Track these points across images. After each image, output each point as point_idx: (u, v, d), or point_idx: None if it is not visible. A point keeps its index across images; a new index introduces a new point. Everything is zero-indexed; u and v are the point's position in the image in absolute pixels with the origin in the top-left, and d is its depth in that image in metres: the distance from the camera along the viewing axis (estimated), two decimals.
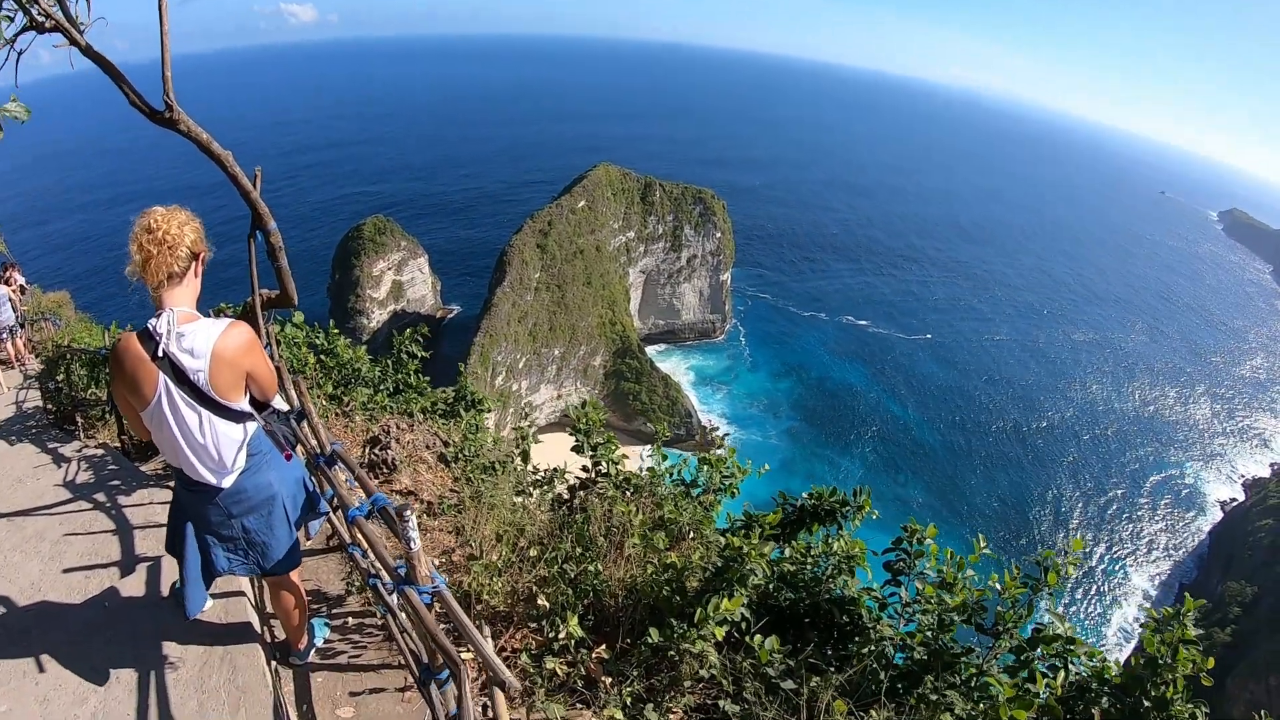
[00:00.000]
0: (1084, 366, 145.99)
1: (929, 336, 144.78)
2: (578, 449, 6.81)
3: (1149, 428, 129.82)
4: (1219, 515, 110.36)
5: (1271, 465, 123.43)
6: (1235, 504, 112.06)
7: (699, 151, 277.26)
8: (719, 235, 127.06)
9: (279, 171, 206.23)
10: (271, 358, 4.85)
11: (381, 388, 11.46)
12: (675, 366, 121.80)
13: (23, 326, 21.37)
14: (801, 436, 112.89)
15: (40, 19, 3.92)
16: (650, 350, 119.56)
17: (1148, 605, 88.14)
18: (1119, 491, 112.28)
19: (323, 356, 11.27)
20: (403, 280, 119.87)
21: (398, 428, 8.87)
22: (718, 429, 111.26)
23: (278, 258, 5.29)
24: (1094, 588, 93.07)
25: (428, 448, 8.94)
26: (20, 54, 4.11)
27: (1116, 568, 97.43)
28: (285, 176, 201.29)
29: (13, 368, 20.63)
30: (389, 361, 11.99)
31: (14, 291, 21.49)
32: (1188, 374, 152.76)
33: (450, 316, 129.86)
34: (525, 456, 8.46)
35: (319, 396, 10.05)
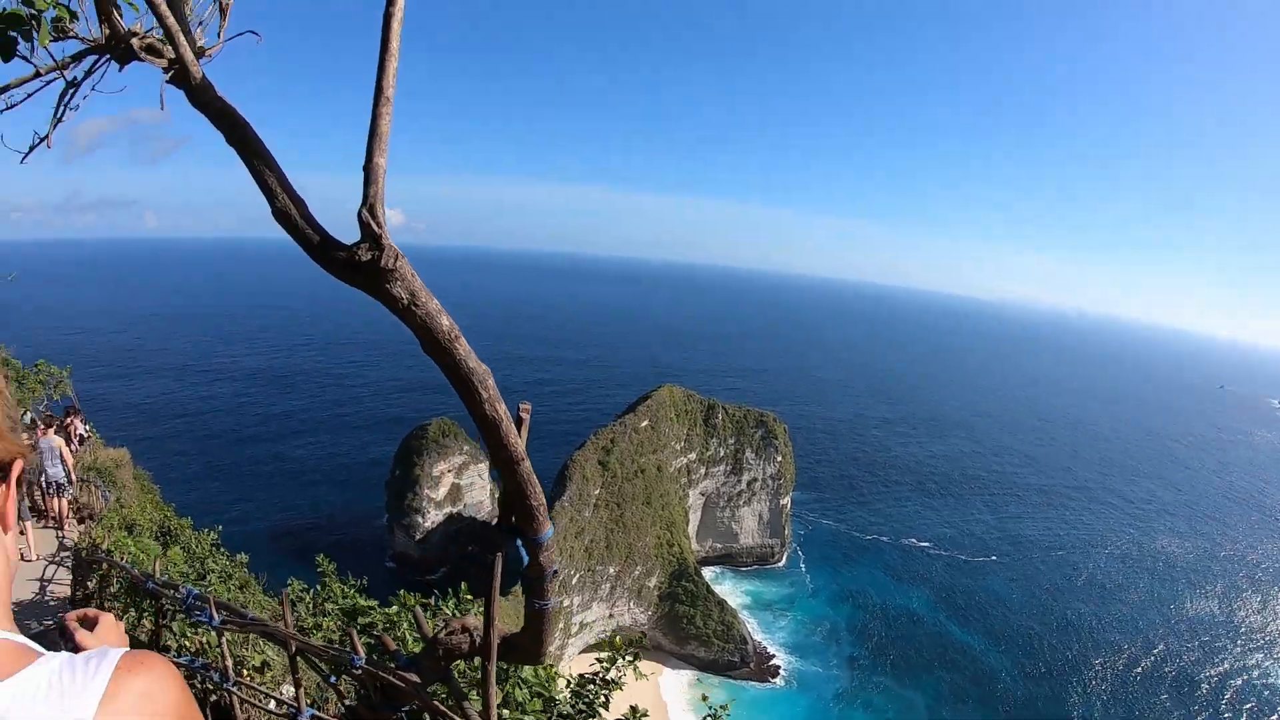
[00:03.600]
0: (1165, 577, 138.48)
1: (994, 558, 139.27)
2: None
3: (1232, 634, 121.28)
4: None
5: None
6: None
7: (762, 374, 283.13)
8: (780, 459, 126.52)
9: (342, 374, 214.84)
10: None
11: None
12: (732, 590, 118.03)
13: (70, 484, 19.69)
14: (863, 665, 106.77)
15: (124, 31, 2.80)
16: (707, 573, 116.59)
17: None
18: (1207, 702, 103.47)
19: None
20: (462, 484, 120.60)
21: None
22: (773, 657, 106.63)
23: (543, 588, 3.22)
24: None
25: None
26: (71, 89, 2.88)
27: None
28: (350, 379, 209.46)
29: (49, 527, 19.39)
30: None
31: (72, 441, 20.51)
32: (1264, 573, 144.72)
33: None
34: None
35: None
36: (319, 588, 15.29)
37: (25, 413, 20.96)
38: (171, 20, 2.58)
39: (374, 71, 2.28)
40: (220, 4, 2.96)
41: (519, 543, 3.11)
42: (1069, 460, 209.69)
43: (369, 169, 2.49)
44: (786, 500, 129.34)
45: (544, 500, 3.09)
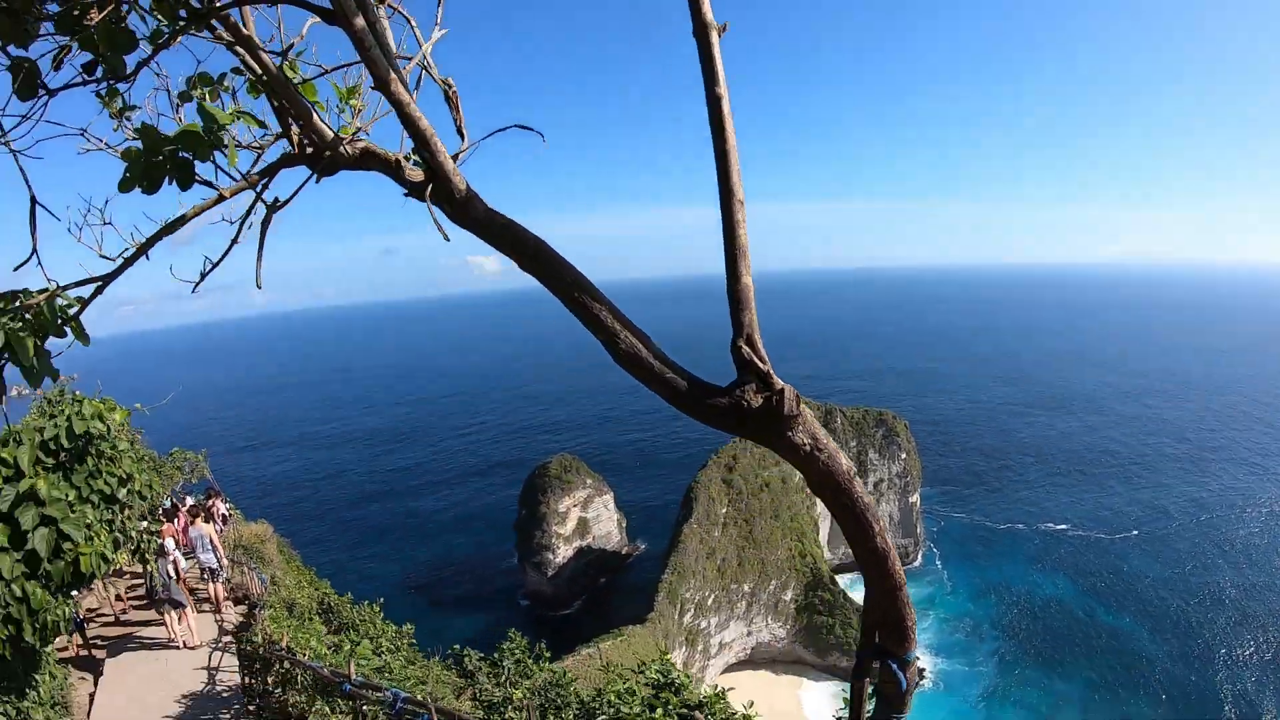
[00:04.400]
0: None
1: (1135, 533, 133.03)
2: None
3: None
4: None
5: None
6: None
7: (870, 373, 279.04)
8: (904, 456, 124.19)
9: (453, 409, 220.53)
10: None
11: None
12: None
13: (222, 568, 19.73)
14: (1009, 660, 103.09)
15: (330, 138, 2.48)
16: (842, 580, 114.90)
17: None
18: None
19: None
20: (589, 517, 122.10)
21: None
22: (918, 658, 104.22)
23: (903, 701, 3.32)
24: None
25: None
26: (270, 211, 2.62)
27: None
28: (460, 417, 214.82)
29: (205, 611, 19.34)
30: None
31: (215, 522, 20.59)
32: None
33: (637, 554, 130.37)
34: None
35: None
36: (496, 656, 15.95)
37: (165, 497, 21.36)
38: (425, 124, 2.30)
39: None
40: (448, 93, 2.67)
41: (882, 661, 3.32)
42: (1203, 421, 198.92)
43: (736, 292, 2.27)
44: (915, 498, 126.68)
45: (915, 620, 3.21)
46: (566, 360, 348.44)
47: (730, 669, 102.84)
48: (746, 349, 2.10)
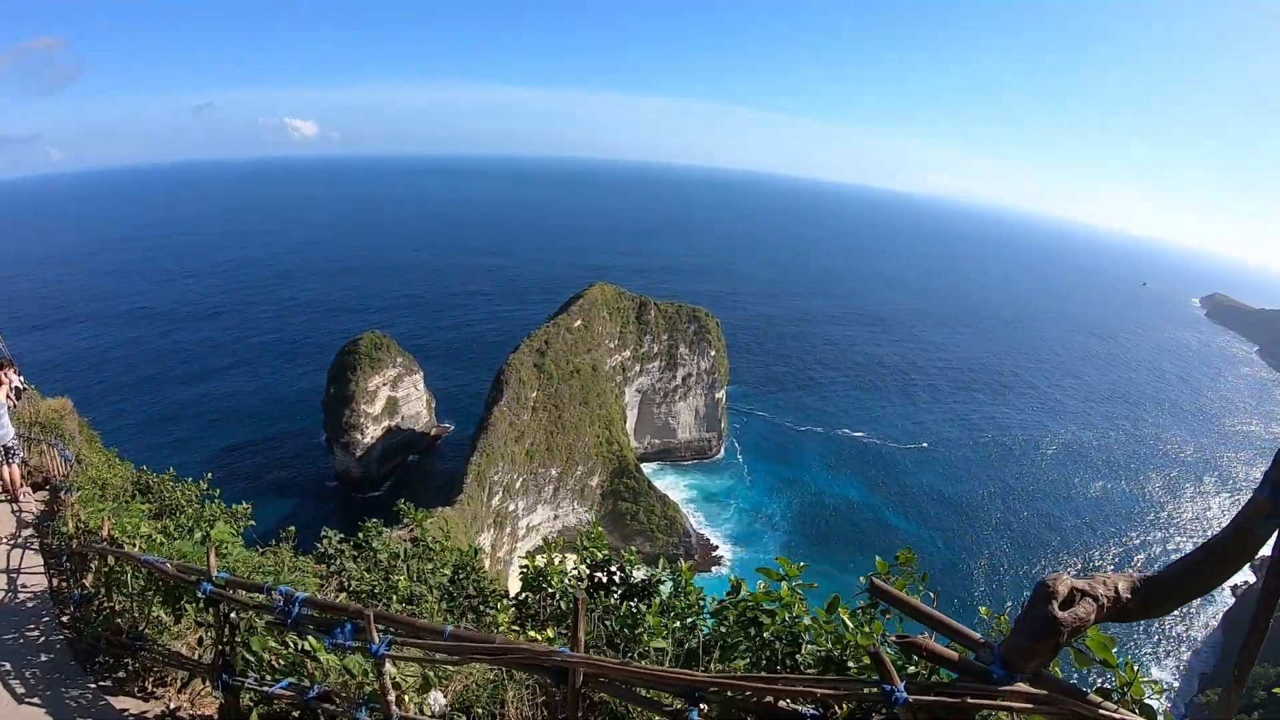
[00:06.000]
0: (1079, 462, 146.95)
1: (924, 445, 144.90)
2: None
3: (1150, 519, 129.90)
4: (1231, 600, 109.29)
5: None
6: (1246, 586, 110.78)
7: (689, 269, 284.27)
8: (714, 353, 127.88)
9: (271, 284, 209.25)
10: None
11: None
12: (672, 485, 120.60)
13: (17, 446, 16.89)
14: (800, 552, 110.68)
15: None
16: (647, 469, 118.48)
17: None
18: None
19: None
20: (398, 396, 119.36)
21: None
22: (717, 548, 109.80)
23: None
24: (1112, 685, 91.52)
25: None
26: None
27: (1134, 663, 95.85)
28: (274, 292, 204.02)
29: (3, 500, 16.22)
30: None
31: (8, 394, 17.26)
32: (1184, 461, 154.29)
33: (446, 435, 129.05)
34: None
35: None
36: (362, 536, 12.90)
37: None
38: None
39: None
40: None
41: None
42: (1007, 356, 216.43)
43: None
44: (721, 394, 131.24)
45: None
46: (382, 234, 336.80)
47: (538, 552, 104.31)
48: None
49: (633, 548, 8.63)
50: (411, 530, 10.90)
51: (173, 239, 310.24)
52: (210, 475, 15.60)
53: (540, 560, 9.39)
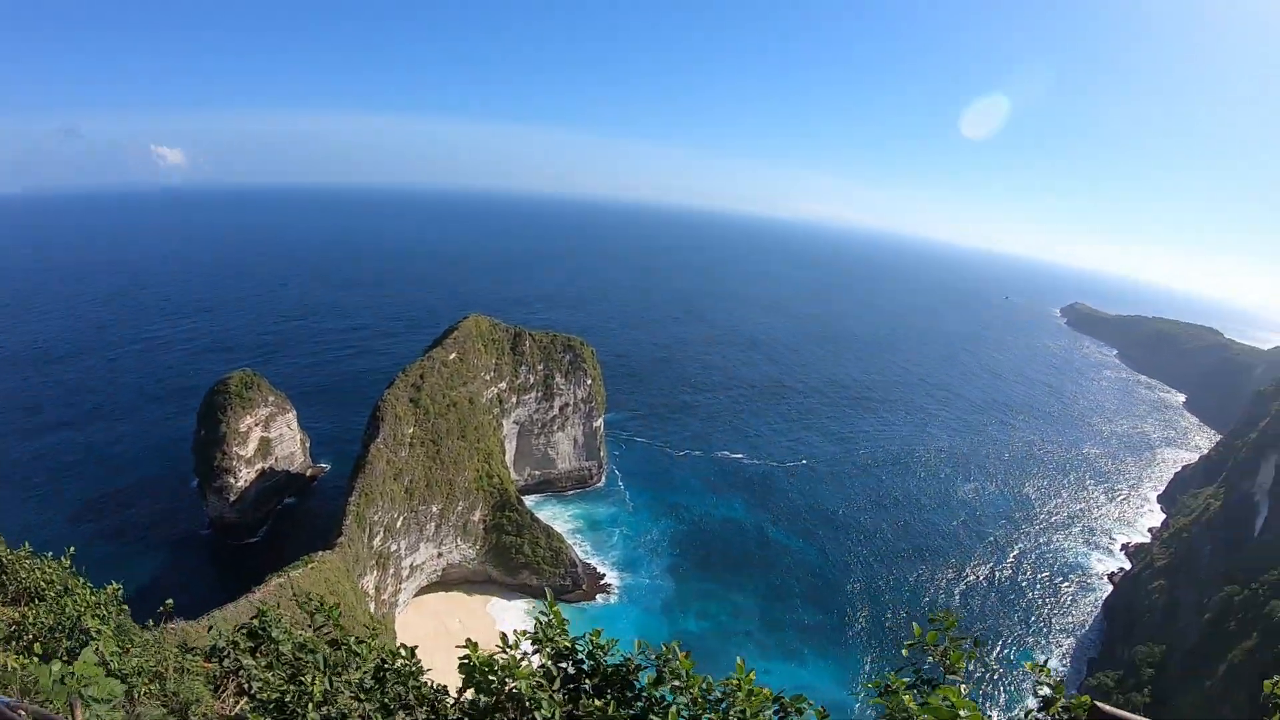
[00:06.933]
0: (954, 468, 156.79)
1: (803, 462, 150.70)
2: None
3: (1027, 517, 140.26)
4: (1109, 587, 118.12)
5: (1150, 530, 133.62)
6: (1123, 573, 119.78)
7: (561, 299, 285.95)
8: (590, 382, 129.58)
9: (126, 318, 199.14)
10: None
11: None
12: (556, 516, 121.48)
13: None
14: (687, 574, 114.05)
15: None
16: (530, 501, 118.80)
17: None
18: (1010, 581, 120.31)
19: None
20: (271, 437, 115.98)
21: None
22: (604, 576, 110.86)
23: None
24: (1003, 675, 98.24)
25: None
26: None
27: (1020, 653, 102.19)
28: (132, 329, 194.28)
29: None
30: None
31: None
32: (1056, 461, 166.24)
33: (322, 475, 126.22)
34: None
35: None
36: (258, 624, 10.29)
37: None
38: None
39: None
40: None
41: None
42: (871, 371, 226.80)
43: None
44: (599, 422, 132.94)
45: None
46: (247, 267, 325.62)
47: (423, 591, 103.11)
48: None
49: (599, 628, 6.85)
50: (329, 632, 8.71)
51: (17, 273, 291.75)
52: (73, 550, 14.07)
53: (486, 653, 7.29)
